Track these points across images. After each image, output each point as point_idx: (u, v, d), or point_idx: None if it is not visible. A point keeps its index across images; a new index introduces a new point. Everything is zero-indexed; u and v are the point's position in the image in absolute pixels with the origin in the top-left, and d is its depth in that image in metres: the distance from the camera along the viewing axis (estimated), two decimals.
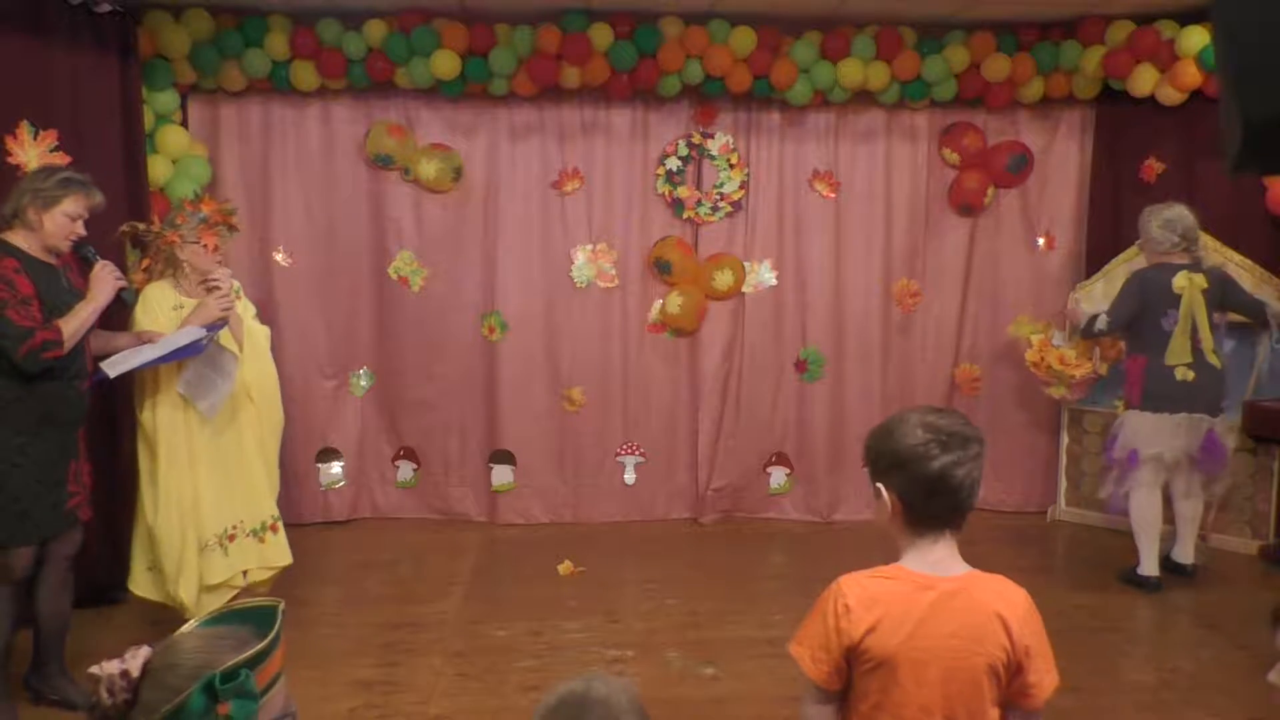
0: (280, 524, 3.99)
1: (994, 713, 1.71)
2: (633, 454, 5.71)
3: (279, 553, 3.95)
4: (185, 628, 1.43)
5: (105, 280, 3.32)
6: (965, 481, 1.69)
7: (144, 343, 3.58)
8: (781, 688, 3.63)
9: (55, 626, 3.44)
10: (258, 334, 3.98)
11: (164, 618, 4.06)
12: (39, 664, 3.46)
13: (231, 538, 3.80)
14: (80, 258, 3.40)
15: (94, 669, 1.33)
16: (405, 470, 5.69)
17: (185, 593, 3.68)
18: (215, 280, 3.68)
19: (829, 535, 5.54)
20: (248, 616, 1.46)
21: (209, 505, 3.72)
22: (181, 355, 3.58)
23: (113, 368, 3.45)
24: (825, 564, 5.02)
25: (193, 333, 3.63)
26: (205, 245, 3.69)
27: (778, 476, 5.78)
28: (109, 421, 4.25)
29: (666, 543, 5.38)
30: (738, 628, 4.18)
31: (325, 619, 4.15)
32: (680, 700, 3.54)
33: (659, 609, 4.38)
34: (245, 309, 3.97)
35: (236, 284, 3.85)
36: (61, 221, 3.24)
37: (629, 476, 5.72)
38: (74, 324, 3.21)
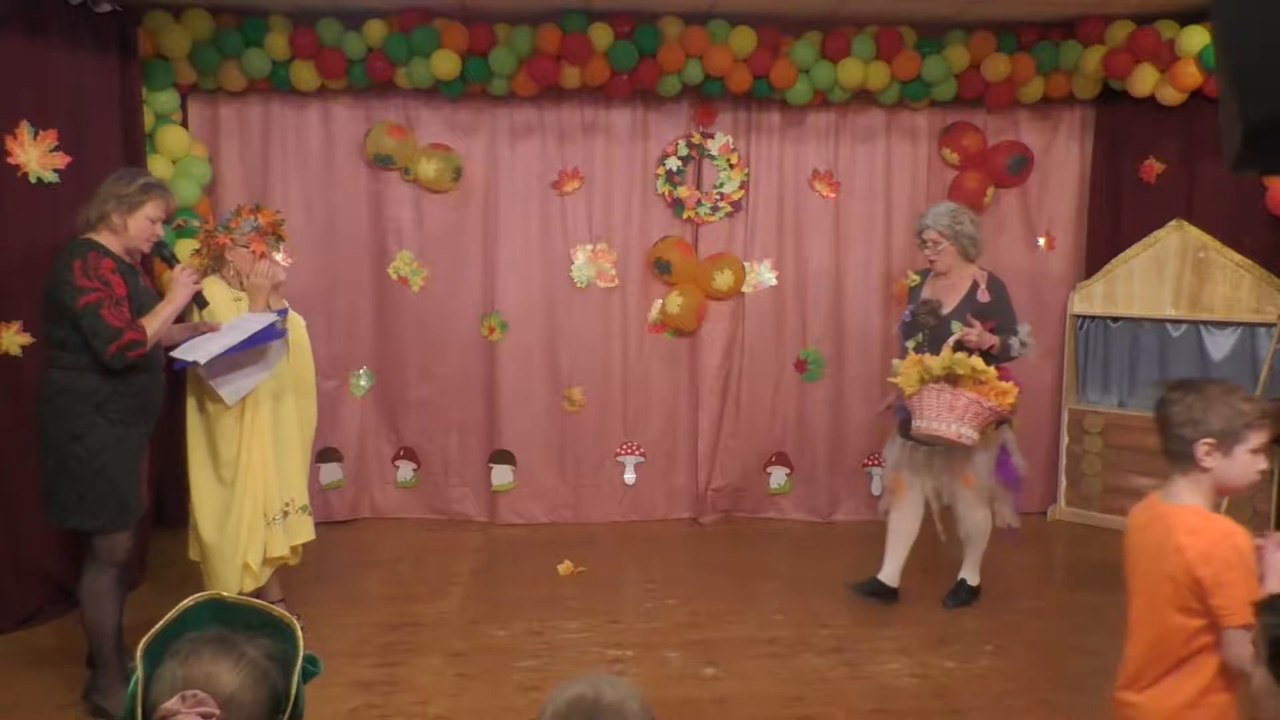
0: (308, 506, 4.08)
1: (1176, 616, 2.08)
2: (633, 454, 5.71)
3: (305, 529, 4.00)
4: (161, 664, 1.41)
5: (184, 283, 3.41)
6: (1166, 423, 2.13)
7: (202, 332, 3.59)
8: (782, 688, 3.63)
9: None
10: (298, 323, 4.09)
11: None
12: (96, 672, 3.39)
13: (285, 514, 3.89)
14: (161, 258, 3.53)
15: None
16: (405, 470, 5.69)
17: (254, 560, 3.74)
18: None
19: (829, 535, 5.53)
20: (189, 620, 1.46)
21: (274, 480, 3.83)
22: (264, 339, 3.61)
23: (194, 353, 3.47)
24: (825, 564, 5.03)
25: (262, 318, 3.63)
26: (254, 251, 3.81)
27: (778, 476, 5.77)
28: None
29: (666, 543, 5.38)
30: (738, 628, 4.18)
31: (325, 619, 4.15)
32: (680, 700, 3.53)
33: (659, 609, 4.38)
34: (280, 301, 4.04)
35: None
36: (143, 225, 3.35)
37: (629, 476, 5.72)
38: (155, 323, 3.32)
